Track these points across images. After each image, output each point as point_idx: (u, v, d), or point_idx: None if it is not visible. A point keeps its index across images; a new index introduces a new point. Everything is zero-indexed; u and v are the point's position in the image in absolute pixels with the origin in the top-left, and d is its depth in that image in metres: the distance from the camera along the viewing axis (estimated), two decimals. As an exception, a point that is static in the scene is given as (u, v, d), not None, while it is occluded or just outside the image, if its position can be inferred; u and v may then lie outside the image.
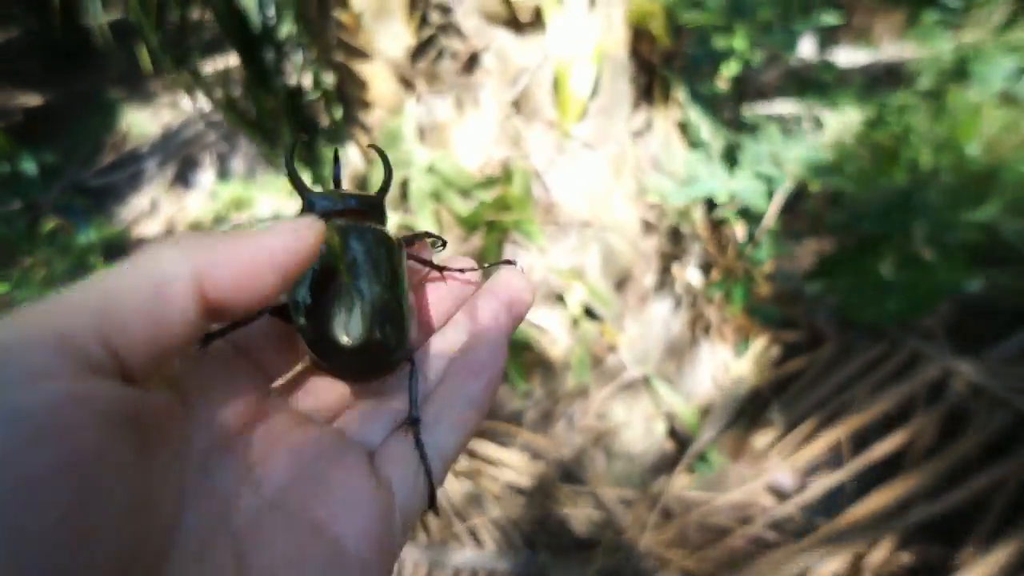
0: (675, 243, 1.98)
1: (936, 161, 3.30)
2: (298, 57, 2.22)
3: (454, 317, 0.32)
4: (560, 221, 1.88)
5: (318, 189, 0.32)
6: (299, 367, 0.31)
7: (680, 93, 2.00)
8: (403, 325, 0.29)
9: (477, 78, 1.86)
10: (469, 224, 1.72)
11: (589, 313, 1.93)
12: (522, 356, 1.87)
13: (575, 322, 1.92)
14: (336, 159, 0.37)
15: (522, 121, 1.89)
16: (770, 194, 1.52)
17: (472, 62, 1.85)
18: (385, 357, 0.29)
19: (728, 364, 2.04)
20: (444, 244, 0.36)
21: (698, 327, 1.98)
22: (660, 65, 1.95)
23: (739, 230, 1.84)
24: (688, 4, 1.84)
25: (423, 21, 1.83)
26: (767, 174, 1.47)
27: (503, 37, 1.86)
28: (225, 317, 0.24)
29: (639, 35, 1.88)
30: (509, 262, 0.32)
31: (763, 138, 1.52)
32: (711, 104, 2.08)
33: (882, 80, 4.78)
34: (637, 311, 1.95)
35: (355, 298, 0.28)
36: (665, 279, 1.95)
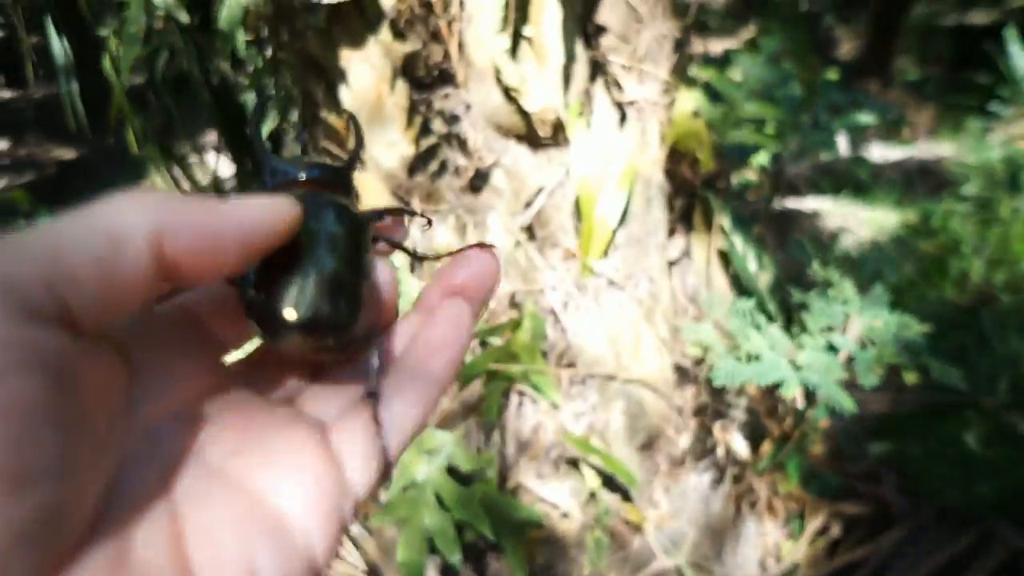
0: (717, 397, 1.63)
1: (989, 275, 2.96)
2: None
3: (420, 298, 0.31)
4: (578, 371, 1.55)
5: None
6: (254, 344, 0.29)
7: (723, 219, 1.70)
8: (357, 304, 0.27)
9: (484, 198, 1.57)
10: (466, 375, 1.39)
11: (609, 483, 1.57)
12: (525, 534, 1.50)
13: (592, 495, 1.56)
14: (303, 125, 0.30)
15: (536, 250, 1.58)
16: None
17: (479, 179, 1.57)
18: (335, 336, 0.27)
19: (779, 547, 1.67)
20: (429, 222, 0.36)
21: (744, 501, 1.61)
22: (700, 187, 1.65)
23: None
24: (732, 123, 1.54)
25: (424, 129, 1.55)
26: (841, 345, 1.15)
27: (517, 152, 1.58)
28: (178, 284, 0.23)
29: (677, 153, 1.59)
30: (484, 245, 0.31)
31: (833, 297, 1.21)
32: (749, 226, 1.77)
33: (917, 178, 4.52)
34: (669, 481, 1.59)
35: (307, 272, 0.26)
36: (704, 442, 1.60)
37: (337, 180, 0.30)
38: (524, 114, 1.55)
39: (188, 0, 1.52)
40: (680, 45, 1.69)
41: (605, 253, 1.55)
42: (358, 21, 1.42)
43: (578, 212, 1.55)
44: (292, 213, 0.25)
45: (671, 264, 1.75)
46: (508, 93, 1.52)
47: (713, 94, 1.65)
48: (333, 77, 1.50)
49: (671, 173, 1.67)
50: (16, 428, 0.18)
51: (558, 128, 1.57)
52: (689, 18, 1.62)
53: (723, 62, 1.88)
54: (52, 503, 0.18)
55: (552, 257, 1.57)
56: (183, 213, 0.22)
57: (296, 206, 0.25)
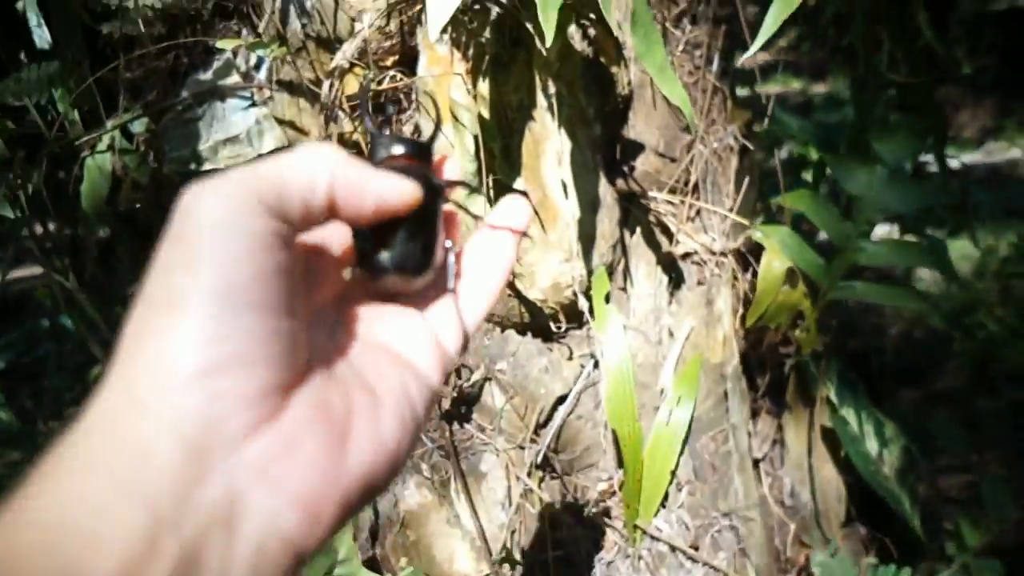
0: None
1: None
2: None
3: (477, 230, 0.40)
4: None
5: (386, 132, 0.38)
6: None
7: (829, 387, 1.15)
8: (431, 254, 0.36)
9: (471, 433, 1.03)
10: None
11: None
12: None
13: None
14: (366, 90, 0.50)
15: (559, 505, 1.04)
16: None
17: (461, 403, 1.03)
18: (415, 277, 0.36)
19: None
20: (476, 190, 0.47)
21: None
22: (798, 354, 1.10)
23: None
24: (847, 267, 0.99)
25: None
26: None
27: (519, 350, 1.04)
28: (327, 217, 0.32)
29: (764, 326, 1.03)
30: (519, 193, 0.40)
31: None
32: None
33: (985, 184, 3.89)
34: None
35: (399, 231, 0.35)
36: None
37: (422, 153, 0.37)
38: (524, 298, 1.01)
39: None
40: (749, 162, 1.14)
41: (663, 504, 1.00)
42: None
43: (615, 441, 1.00)
44: (414, 197, 0.34)
45: (757, 462, 1.20)
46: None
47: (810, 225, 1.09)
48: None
49: (754, 347, 1.11)
50: (275, 280, 0.27)
51: (576, 310, 1.03)
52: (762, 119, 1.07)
53: (817, 172, 1.32)
54: (294, 328, 0.28)
55: (580, 512, 1.02)
56: (349, 173, 0.31)
57: (417, 192, 0.34)
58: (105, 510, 0.22)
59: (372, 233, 0.35)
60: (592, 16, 0.93)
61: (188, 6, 1.01)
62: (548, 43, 0.69)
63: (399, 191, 0.33)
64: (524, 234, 0.39)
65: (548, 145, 0.96)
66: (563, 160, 0.97)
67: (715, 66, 1.13)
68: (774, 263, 0.98)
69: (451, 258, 0.38)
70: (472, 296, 0.38)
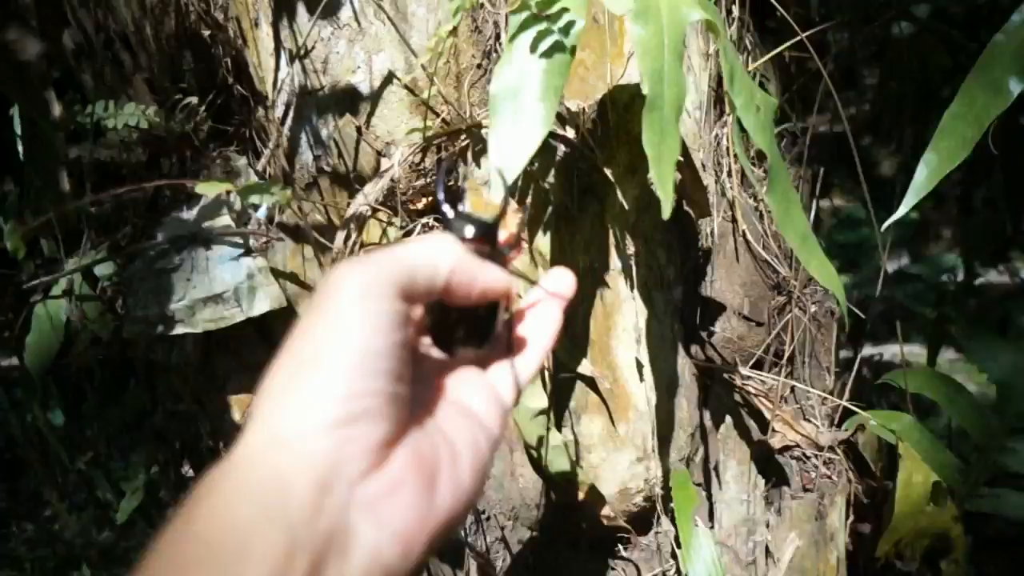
0: None
1: None
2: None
3: (528, 298, 0.43)
4: None
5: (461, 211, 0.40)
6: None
7: None
8: (493, 327, 0.39)
9: None
10: None
11: None
12: None
13: None
14: (443, 170, 0.49)
15: None
16: None
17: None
18: (477, 350, 0.39)
19: None
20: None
21: None
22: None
23: None
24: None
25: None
26: None
27: (567, 566, 0.79)
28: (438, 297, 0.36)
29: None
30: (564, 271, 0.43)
31: None
32: None
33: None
34: None
35: (464, 313, 0.38)
36: None
37: (489, 234, 0.39)
38: (579, 504, 0.77)
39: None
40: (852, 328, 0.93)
41: None
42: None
43: None
44: (509, 287, 0.38)
45: None
46: (550, 477, 0.75)
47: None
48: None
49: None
50: (399, 351, 0.31)
51: (646, 518, 0.79)
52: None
53: (934, 336, 1.11)
54: (406, 391, 0.32)
55: None
56: (465, 265, 0.35)
57: (506, 286, 0.38)
58: (253, 530, 0.26)
59: (444, 309, 0.37)
60: (680, 158, 0.74)
61: (177, 127, 0.82)
62: (666, 214, 0.50)
63: (501, 282, 0.37)
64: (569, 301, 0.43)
65: (621, 316, 0.74)
66: (640, 334, 0.75)
67: (812, 214, 0.94)
68: (915, 476, 0.75)
69: (503, 323, 0.40)
70: (524, 355, 0.41)
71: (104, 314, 0.85)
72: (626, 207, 0.71)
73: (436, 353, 0.39)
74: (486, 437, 0.36)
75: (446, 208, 0.39)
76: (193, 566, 0.25)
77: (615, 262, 0.73)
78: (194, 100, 0.80)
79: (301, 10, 0.70)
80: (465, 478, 0.34)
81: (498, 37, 0.75)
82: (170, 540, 0.26)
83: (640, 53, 0.49)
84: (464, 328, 0.38)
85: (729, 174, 0.89)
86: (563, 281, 0.42)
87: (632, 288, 0.74)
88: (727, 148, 0.89)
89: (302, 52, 0.72)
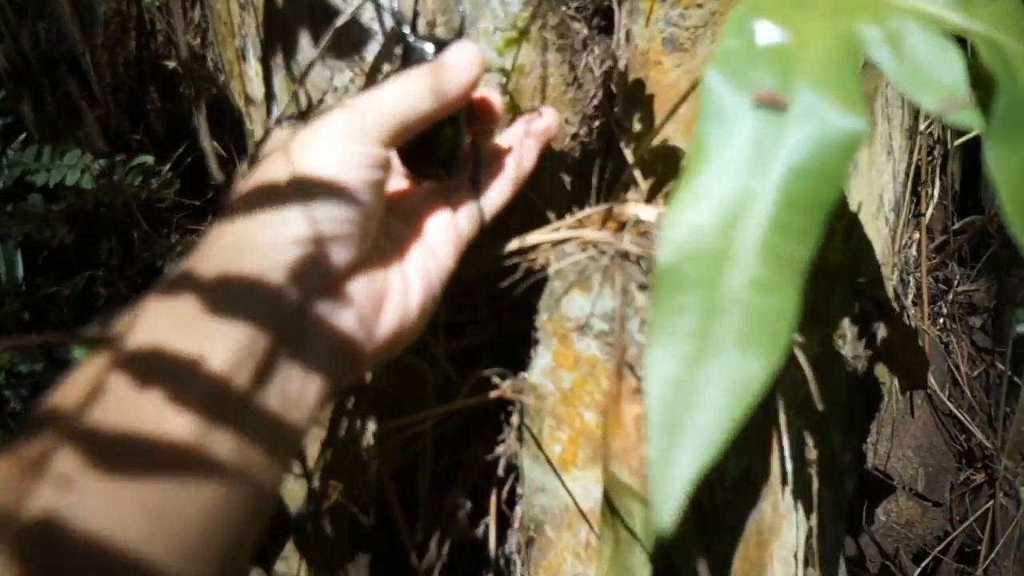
0: None
1: None
2: None
3: (505, 135, 0.43)
4: None
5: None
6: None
7: None
8: (458, 150, 0.40)
9: None
10: None
11: None
12: None
13: None
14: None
15: None
16: None
17: None
18: (442, 175, 0.40)
19: None
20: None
21: None
22: None
23: None
24: None
25: None
26: None
27: None
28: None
29: None
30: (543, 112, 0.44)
31: None
32: None
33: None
34: None
35: (428, 135, 0.37)
36: None
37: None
38: None
39: None
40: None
41: None
42: None
43: None
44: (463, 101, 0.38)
45: None
46: None
47: None
48: None
49: None
50: (370, 189, 0.32)
51: None
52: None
53: None
54: (371, 226, 0.33)
55: None
56: (442, 93, 0.35)
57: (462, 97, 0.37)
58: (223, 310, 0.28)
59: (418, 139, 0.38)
60: (878, 297, 0.47)
61: (129, 192, 0.56)
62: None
63: (460, 90, 0.36)
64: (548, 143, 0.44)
65: (779, 540, 0.47)
66: (798, 557, 0.48)
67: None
68: None
69: (469, 148, 0.41)
70: (492, 188, 0.41)
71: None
72: (807, 371, 0.44)
73: (402, 183, 0.41)
74: (437, 268, 0.38)
75: (402, 29, 0.39)
76: (228, 240, 0.30)
77: (776, 463, 0.46)
78: (149, 159, 0.54)
79: (304, 42, 0.45)
80: (412, 307, 0.36)
81: (610, 99, 0.48)
82: (209, 238, 0.31)
83: (1010, 203, 0.23)
84: (429, 150, 0.39)
85: (916, 298, 0.62)
86: (544, 119, 0.43)
87: (796, 498, 0.47)
88: (914, 261, 0.62)
89: (304, 105, 0.46)
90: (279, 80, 0.47)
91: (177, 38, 0.48)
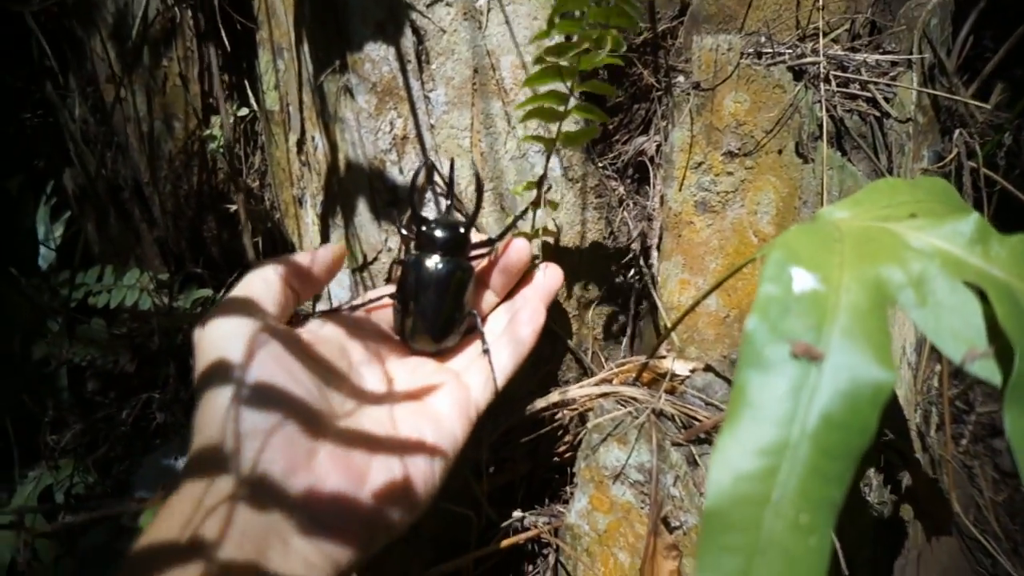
0: None
1: None
2: None
3: (507, 303, 0.47)
4: None
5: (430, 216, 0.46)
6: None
7: None
8: (453, 326, 0.44)
9: None
10: None
11: None
12: None
13: None
14: (451, 168, 0.46)
15: None
16: None
17: None
18: (434, 343, 0.44)
19: None
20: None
21: None
22: None
23: None
24: None
25: None
26: None
27: None
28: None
29: None
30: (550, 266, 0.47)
31: None
32: None
33: None
34: None
35: (420, 310, 0.43)
36: None
37: (453, 245, 0.43)
38: None
39: None
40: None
41: None
42: None
43: None
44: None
45: None
46: None
47: None
48: None
49: None
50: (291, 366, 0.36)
51: None
52: None
53: None
54: (319, 405, 0.35)
55: None
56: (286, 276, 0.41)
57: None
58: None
59: (404, 307, 0.43)
60: (902, 449, 0.49)
61: (186, 316, 0.60)
62: None
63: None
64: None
65: None
66: None
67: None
68: None
69: (480, 324, 0.44)
70: (503, 354, 0.43)
71: (61, 559, 0.62)
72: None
73: (393, 353, 0.44)
74: (441, 436, 0.38)
75: (416, 214, 0.44)
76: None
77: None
78: (208, 293, 0.58)
79: (362, 207, 0.48)
80: (406, 473, 0.36)
81: (646, 257, 0.52)
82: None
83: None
84: (420, 322, 0.43)
85: (940, 426, 0.63)
86: (551, 278, 0.45)
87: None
88: (936, 392, 0.63)
89: (359, 262, 0.49)
90: (335, 236, 0.51)
91: (233, 179, 0.51)
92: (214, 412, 0.33)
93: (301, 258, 0.41)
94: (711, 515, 0.26)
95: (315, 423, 0.35)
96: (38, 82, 0.69)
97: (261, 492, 0.31)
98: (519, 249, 0.45)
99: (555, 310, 0.51)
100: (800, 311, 0.28)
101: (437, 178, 0.47)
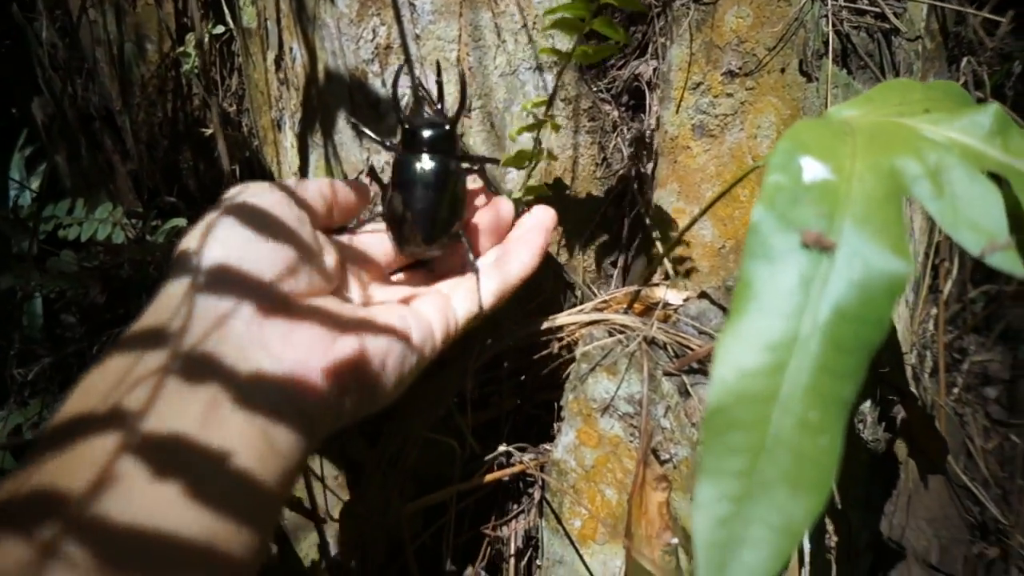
0: None
1: None
2: None
3: (515, 226, 0.46)
4: None
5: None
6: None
7: None
8: (448, 226, 0.43)
9: None
10: None
11: None
12: None
13: None
14: (438, 72, 0.43)
15: None
16: None
17: None
18: (435, 244, 0.43)
19: None
20: (496, 162, 0.46)
21: None
22: None
23: None
24: None
25: None
26: None
27: None
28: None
29: None
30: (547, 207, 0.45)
31: None
32: None
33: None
34: None
35: (412, 208, 0.42)
36: None
37: (442, 143, 0.42)
38: None
39: None
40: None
41: None
42: None
43: None
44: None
45: None
46: None
47: None
48: None
49: None
50: (297, 225, 0.35)
51: None
52: None
53: None
54: (304, 260, 0.35)
55: None
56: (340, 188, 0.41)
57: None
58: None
59: (392, 211, 0.42)
60: (898, 384, 0.48)
61: (158, 251, 0.57)
62: None
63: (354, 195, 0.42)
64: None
65: (797, 625, 0.47)
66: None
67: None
68: None
69: (464, 236, 0.43)
70: (491, 279, 0.42)
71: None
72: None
73: (388, 259, 0.44)
74: (420, 332, 0.38)
75: (399, 113, 0.43)
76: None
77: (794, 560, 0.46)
78: (182, 222, 0.55)
79: (342, 123, 0.46)
80: (375, 341, 0.35)
81: (640, 184, 0.49)
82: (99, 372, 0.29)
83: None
84: (412, 224, 0.42)
85: (933, 372, 0.62)
86: (545, 214, 0.44)
87: (817, 580, 0.47)
88: (931, 336, 0.62)
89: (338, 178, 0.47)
90: (315, 157, 0.48)
91: (210, 105, 0.48)
92: (167, 298, 0.31)
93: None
94: (714, 414, 0.24)
95: (282, 303, 0.33)
96: (2, 3, 0.65)
97: (199, 367, 0.29)
98: (506, 211, 0.44)
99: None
100: (810, 200, 0.26)
101: (425, 85, 0.44)
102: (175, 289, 0.31)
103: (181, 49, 0.53)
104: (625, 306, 0.47)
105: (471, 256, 0.43)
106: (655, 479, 0.44)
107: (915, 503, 0.65)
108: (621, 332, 0.45)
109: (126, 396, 0.27)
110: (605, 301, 0.47)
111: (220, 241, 0.32)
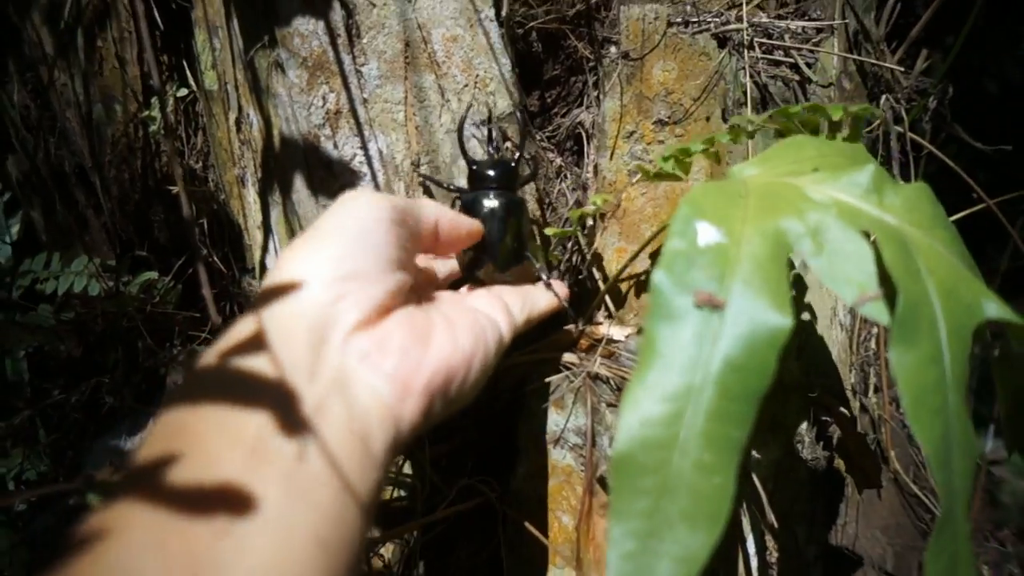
0: None
1: None
2: None
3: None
4: None
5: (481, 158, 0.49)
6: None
7: None
8: (518, 257, 0.47)
9: None
10: None
11: None
12: None
13: None
14: (489, 115, 0.49)
15: None
16: None
17: None
18: (500, 276, 0.47)
19: None
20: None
21: None
22: None
23: None
24: None
25: None
26: None
27: None
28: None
29: None
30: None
31: None
32: None
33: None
34: None
35: (485, 242, 0.46)
36: None
37: (507, 182, 0.47)
38: None
39: None
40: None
41: None
42: None
43: None
44: (479, 230, 0.46)
45: None
46: None
47: None
48: None
49: None
50: (392, 237, 0.36)
51: None
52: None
53: None
54: (399, 273, 0.36)
55: None
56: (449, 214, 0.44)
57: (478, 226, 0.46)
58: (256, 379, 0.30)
59: (476, 246, 0.46)
60: (831, 406, 0.51)
61: (134, 302, 0.60)
62: None
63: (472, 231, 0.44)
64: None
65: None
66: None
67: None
68: None
69: (531, 256, 0.48)
70: (542, 297, 0.47)
71: (18, 547, 0.62)
72: (757, 484, 0.48)
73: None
74: (491, 327, 0.40)
75: (466, 157, 0.46)
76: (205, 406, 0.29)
77: (742, 565, 0.49)
78: (153, 275, 0.58)
79: (299, 183, 0.49)
80: (462, 341, 0.37)
81: (582, 226, 0.52)
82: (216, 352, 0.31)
83: (911, 403, 0.27)
84: (486, 253, 0.46)
85: (877, 388, 0.66)
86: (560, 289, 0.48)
87: (764, 596, 0.50)
88: (873, 353, 0.65)
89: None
90: (276, 213, 0.51)
91: (174, 165, 0.51)
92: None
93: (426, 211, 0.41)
94: (622, 460, 0.27)
95: (393, 287, 0.35)
96: (-27, 68, 0.68)
97: (321, 342, 0.32)
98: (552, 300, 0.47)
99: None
100: (704, 263, 0.30)
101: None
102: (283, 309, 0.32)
103: (147, 113, 0.56)
104: (571, 343, 0.50)
105: (537, 266, 0.47)
106: (601, 506, 0.47)
107: (869, 513, 0.68)
108: (568, 368, 0.48)
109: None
110: (554, 339, 0.50)
111: (327, 252, 0.34)
